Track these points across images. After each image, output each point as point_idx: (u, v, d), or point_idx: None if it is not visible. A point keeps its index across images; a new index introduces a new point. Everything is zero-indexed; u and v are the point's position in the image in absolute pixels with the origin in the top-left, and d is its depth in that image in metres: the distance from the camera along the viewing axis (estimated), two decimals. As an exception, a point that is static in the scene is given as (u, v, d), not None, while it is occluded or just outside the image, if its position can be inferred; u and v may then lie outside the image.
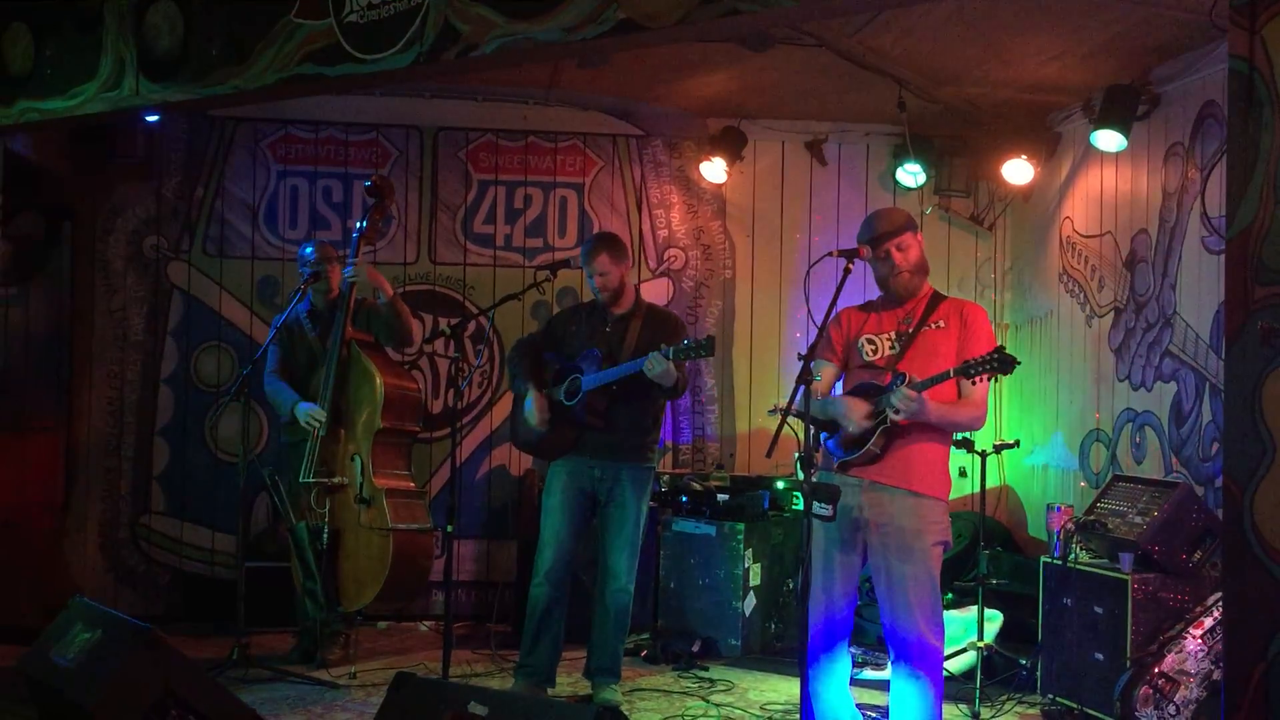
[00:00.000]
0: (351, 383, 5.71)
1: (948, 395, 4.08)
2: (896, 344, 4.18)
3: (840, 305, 4.18)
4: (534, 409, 5.20)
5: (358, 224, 5.87)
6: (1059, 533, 5.21)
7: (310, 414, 5.66)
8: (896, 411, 3.95)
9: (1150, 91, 5.85)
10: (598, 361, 5.15)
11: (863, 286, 4.55)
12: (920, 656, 4.05)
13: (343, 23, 4.79)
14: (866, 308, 4.34)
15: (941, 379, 3.98)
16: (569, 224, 7.21)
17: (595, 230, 6.98)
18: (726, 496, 6.34)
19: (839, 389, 4.30)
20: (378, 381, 5.64)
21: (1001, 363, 3.86)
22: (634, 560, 5.22)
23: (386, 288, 5.87)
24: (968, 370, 3.93)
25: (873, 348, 4.22)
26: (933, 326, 4.17)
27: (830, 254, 4.17)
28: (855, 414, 4.07)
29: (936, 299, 4.25)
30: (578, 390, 5.14)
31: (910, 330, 4.18)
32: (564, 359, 5.30)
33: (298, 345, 5.95)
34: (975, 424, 4.22)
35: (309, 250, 5.94)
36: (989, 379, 3.98)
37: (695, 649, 6.09)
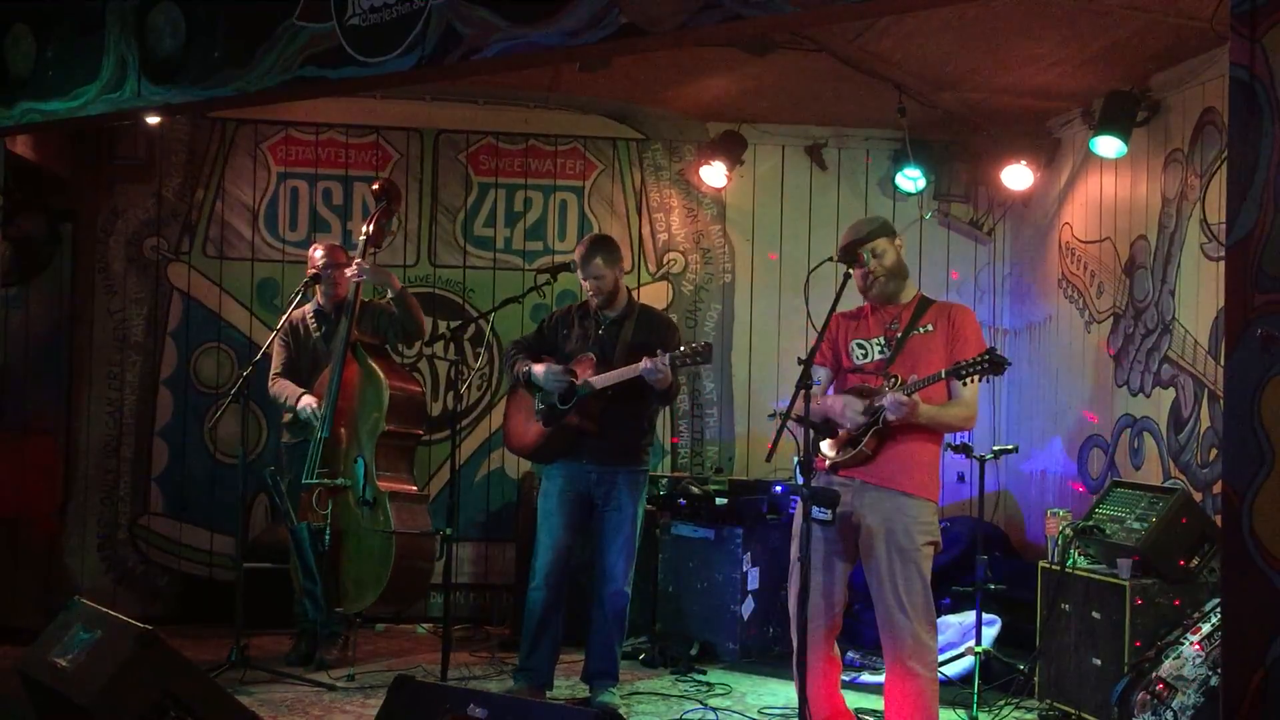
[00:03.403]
0: (356, 385, 5.71)
1: (939, 396, 4.12)
2: (886, 348, 4.21)
3: (838, 311, 4.22)
4: (552, 373, 5.14)
5: (365, 228, 5.87)
6: (1057, 538, 5.22)
7: (311, 406, 5.66)
8: (889, 413, 3.98)
9: (1150, 98, 5.86)
10: (592, 365, 5.13)
11: (862, 291, 4.56)
12: (915, 655, 4.07)
13: (345, 26, 4.79)
14: (856, 313, 4.38)
15: (934, 380, 4.02)
16: (569, 227, 7.21)
17: (595, 233, 6.98)
18: (725, 500, 6.33)
19: (832, 394, 4.32)
20: (383, 384, 5.63)
21: (993, 364, 3.91)
22: (631, 563, 5.23)
23: (394, 282, 5.88)
24: (960, 372, 3.97)
25: (862, 352, 4.27)
26: (921, 330, 4.21)
27: (829, 259, 4.23)
28: (853, 409, 4.10)
29: (924, 303, 4.29)
30: (572, 394, 5.13)
31: (899, 335, 4.21)
32: (558, 363, 5.27)
33: (302, 346, 5.95)
34: (966, 425, 4.28)
35: (319, 252, 5.95)
36: (980, 380, 4.01)
37: (693, 652, 6.10)
